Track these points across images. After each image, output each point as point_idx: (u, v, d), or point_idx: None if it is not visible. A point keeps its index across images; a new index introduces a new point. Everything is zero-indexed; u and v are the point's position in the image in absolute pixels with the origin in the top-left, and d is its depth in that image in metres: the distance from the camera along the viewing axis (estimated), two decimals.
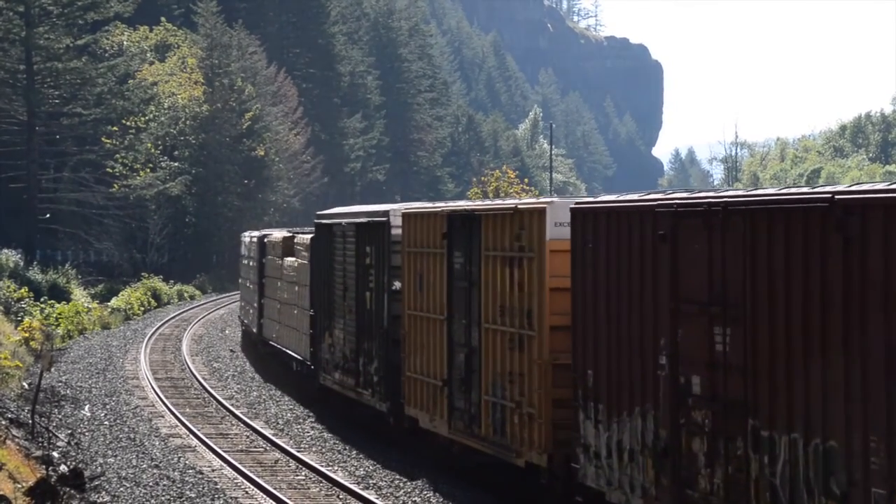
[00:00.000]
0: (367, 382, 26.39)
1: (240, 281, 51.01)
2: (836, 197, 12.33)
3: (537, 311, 18.50)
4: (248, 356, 44.43)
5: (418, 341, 23.43)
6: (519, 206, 19.22)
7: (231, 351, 46.07)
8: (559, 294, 18.15)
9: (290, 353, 34.93)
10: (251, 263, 44.11)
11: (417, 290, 23.41)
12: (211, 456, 25.99)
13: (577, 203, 17.78)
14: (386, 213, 25.44)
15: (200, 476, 23.73)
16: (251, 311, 43.54)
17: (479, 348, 20.55)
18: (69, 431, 28.29)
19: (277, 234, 39.23)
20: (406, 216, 24.20)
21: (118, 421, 30.23)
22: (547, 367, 18.28)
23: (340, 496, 22.06)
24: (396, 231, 24.82)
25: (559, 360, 18.11)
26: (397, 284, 24.73)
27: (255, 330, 42.32)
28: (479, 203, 21.17)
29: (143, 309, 63.09)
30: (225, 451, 25.99)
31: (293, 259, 34.69)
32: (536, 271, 18.58)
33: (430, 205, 24.52)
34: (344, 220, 28.51)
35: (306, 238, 32.89)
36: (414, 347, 23.65)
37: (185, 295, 74.14)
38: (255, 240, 43.64)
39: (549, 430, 18.27)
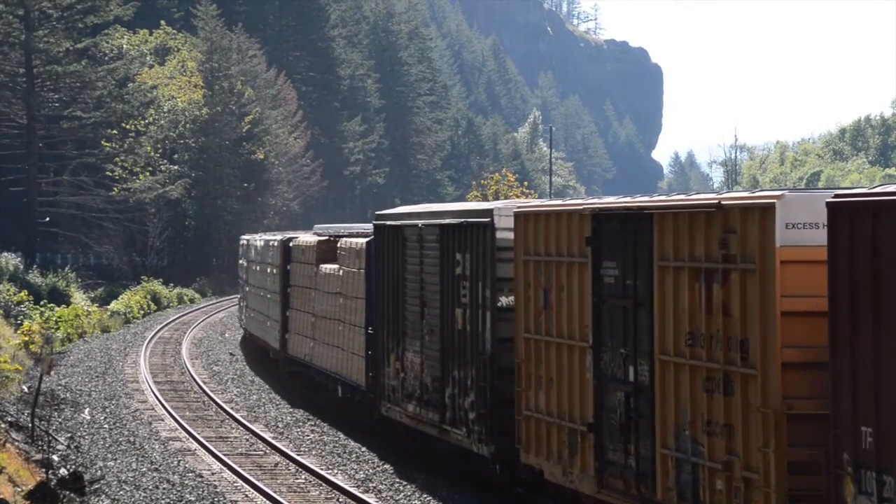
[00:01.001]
0: (459, 419, 21.45)
1: (246, 289, 46.30)
2: (723, 202, 14.56)
3: (759, 342, 13.98)
4: (247, 358, 44.42)
5: (543, 373, 18.55)
6: (724, 202, 14.71)
7: (231, 354, 46.06)
8: (795, 319, 13.75)
9: (332, 375, 30.31)
10: (271, 270, 38.92)
11: (541, 309, 18.55)
12: (211, 459, 25.99)
13: (843, 196, 12.89)
14: (489, 213, 20.55)
15: (200, 479, 23.72)
16: (269, 323, 39.10)
17: (651, 386, 15.90)
18: (69, 435, 28.29)
19: (308, 238, 34.94)
20: (522, 216, 19.32)
21: (118, 424, 30.22)
22: (777, 417, 13.74)
23: (340, 499, 22.06)
24: (504, 234, 20.03)
25: (796, 408, 13.68)
26: (506, 300, 20.07)
27: (275, 345, 37.73)
28: (648, 199, 16.59)
29: (142, 312, 63.08)
30: (225, 455, 25.98)
31: (334, 266, 30.21)
32: (758, 289, 14.03)
33: (556, 202, 19.72)
34: (421, 222, 23.46)
35: (357, 242, 28.29)
36: (535, 380, 18.76)
37: (185, 298, 74.14)
38: (274, 244, 38.53)
39: (783, 502, 13.77)
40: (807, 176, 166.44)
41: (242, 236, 52.18)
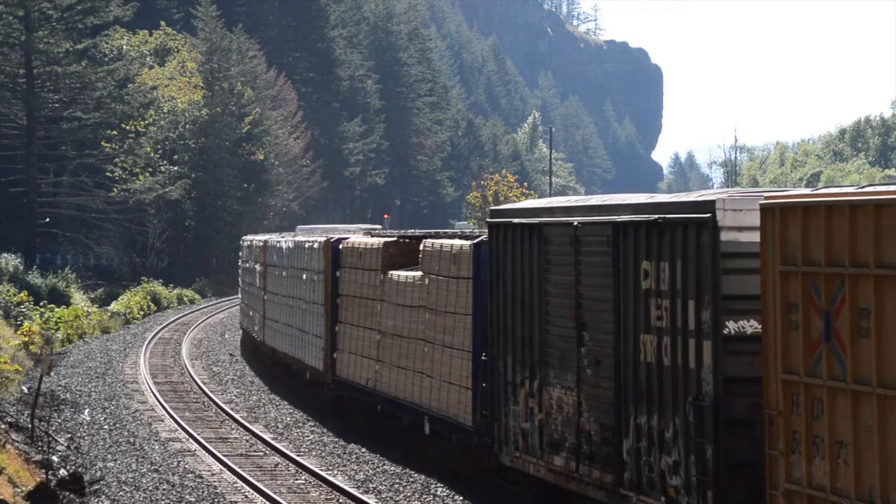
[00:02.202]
0: (651, 484, 16.01)
1: (265, 297, 40.46)
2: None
3: None
4: (247, 360, 44.42)
5: (823, 431, 13.18)
6: None
7: (230, 355, 46.05)
8: None
9: (413, 407, 24.74)
10: (311, 277, 32.77)
11: (818, 341, 13.24)
12: (210, 460, 25.99)
13: None
14: (707, 206, 15.06)
15: (200, 480, 23.73)
16: (305, 339, 33.33)
17: None
18: (69, 435, 28.28)
19: (366, 238, 29.66)
20: (780, 210, 13.82)
21: (118, 425, 30.22)
22: None
23: (340, 500, 22.06)
24: (734, 236, 14.88)
25: None
26: (737, 326, 15.00)
27: (315, 365, 32.16)
28: None
29: (142, 313, 63.09)
30: (224, 456, 25.99)
31: (414, 274, 24.91)
32: None
33: (834, 190, 13.77)
34: (577, 219, 17.77)
35: (456, 245, 22.71)
36: (806, 441, 13.43)
37: (185, 299, 74.16)
38: (315, 245, 32.40)
39: None
40: (807, 177, 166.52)
41: (250, 237, 48.90)
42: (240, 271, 51.46)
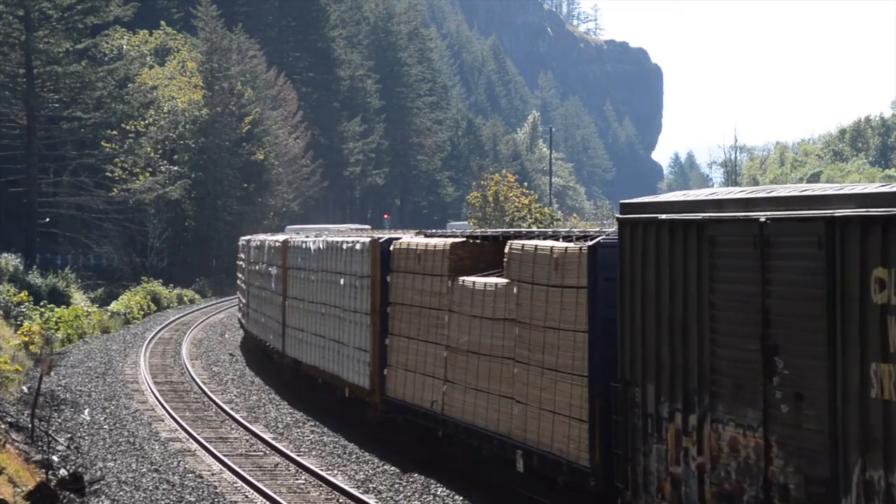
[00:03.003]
0: None
1: (285, 303, 36.20)
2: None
3: None
4: (246, 360, 44.41)
5: None
6: None
7: (231, 355, 46.05)
8: None
9: (501, 438, 20.70)
10: (352, 283, 28.53)
11: None
12: (210, 460, 25.99)
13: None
14: None
15: (200, 480, 23.73)
16: (343, 353, 29.14)
17: None
18: (69, 435, 28.29)
19: (427, 240, 25.03)
20: None
21: (118, 425, 30.22)
22: None
23: (340, 500, 22.06)
24: None
25: None
26: None
27: (358, 382, 27.92)
28: None
29: (142, 313, 63.10)
30: (224, 455, 25.99)
31: (494, 280, 21.35)
32: None
33: None
34: (763, 214, 13.95)
35: (555, 247, 19.04)
36: None
37: (185, 299, 74.17)
38: (357, 247, 28.13)
39: None
40: (807, 177, 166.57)
41: (260, 236, 45.67)
42: (241, 273, 49.54)
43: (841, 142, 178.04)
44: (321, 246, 32.09)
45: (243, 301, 47.80)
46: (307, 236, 35.68)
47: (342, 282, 29.28)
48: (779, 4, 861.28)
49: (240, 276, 51.30)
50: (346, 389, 28.99)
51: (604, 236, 18.23)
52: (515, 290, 20.18)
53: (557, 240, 19.46)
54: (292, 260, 35.70)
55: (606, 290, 17.44)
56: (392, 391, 25.62)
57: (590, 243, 18.11)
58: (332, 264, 30.60)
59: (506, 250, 20.77)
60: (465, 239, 23.43)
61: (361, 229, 55.51)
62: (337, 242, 30.32)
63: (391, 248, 26.09)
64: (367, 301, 27.22)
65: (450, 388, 22.73)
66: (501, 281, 20.90)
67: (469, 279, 22.26)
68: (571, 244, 18.71)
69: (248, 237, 49.21)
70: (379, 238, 27.03)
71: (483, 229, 24.10)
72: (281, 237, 40.02)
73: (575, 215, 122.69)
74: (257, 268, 42.77)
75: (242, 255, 49.00)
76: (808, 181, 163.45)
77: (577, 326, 18.16)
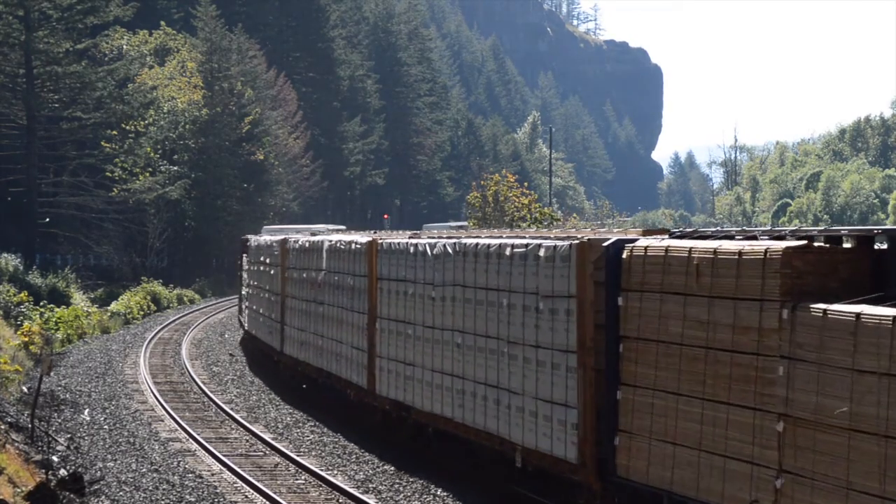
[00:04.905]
0: None
1: (379, 325, 26.43)
2: None
3: None
4: (247, 360, 44.42)
5: None
6: None
7: (230, 355, 46.06)
8: None
9: None
10: (515, 304, 19.74)
11: None
12: (210, 460, 25.99)
13: None
14: None
15: (200, 480, 23.73)
16: (510, 405, 20.08)
17: None
18: (69, 435, 28.29)
19: (723, 244, 15.40)
20: None
21: (118, 425, 30.22)
22: None
23: (340, 500, 22.06)
24: None
25: None
26: None
27: (554, 451, 18.60)
28: None
29: (142, 313, 63.11)
30: (224, 456, 25.99)
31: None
32: None
33: None
34: None
35: None
36: None
37: (185, 299, 74.19)
38: (547, 252, 18.75)
39: None
40: (806, 177, 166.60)
41: (300, 235, 37.05)
42: (251, 275, 43.50)
43: (841, 142, 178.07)
44: (450, 249, 22.44)
45: (268, 316, 38.93)
46: (413, 235, 26.94)
47: (505, 302, 20.10)
48: (779, 4, 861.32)
49: (252, 281, 43.67)
50: (517, 454, 19.86)
51: None
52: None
53: None
54: (386, 269, 25.96)
55: None
56: (629, 471, 16.73)
57: None
58: (476, 276, 21.30)
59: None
60: (805, 243, 14.33)
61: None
62: (500, 246, 20.38)
63: (625, 255, 17.03)
64: (569, 332, 18.16)
65: (793, 484, 13.82)
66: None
67: (841, 308, 13.33)
68: None
69: (299, 235, 36.97)
70: (604, 240, 17.57)
71: (813, 228, 13.98)
72: (345, 239, 29.77)
73: (575, 215, 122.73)
74: (297, 275, 33.97)
75: (260, 259, 40.88)
76: (808, 181, 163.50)
77: None
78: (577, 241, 18.17)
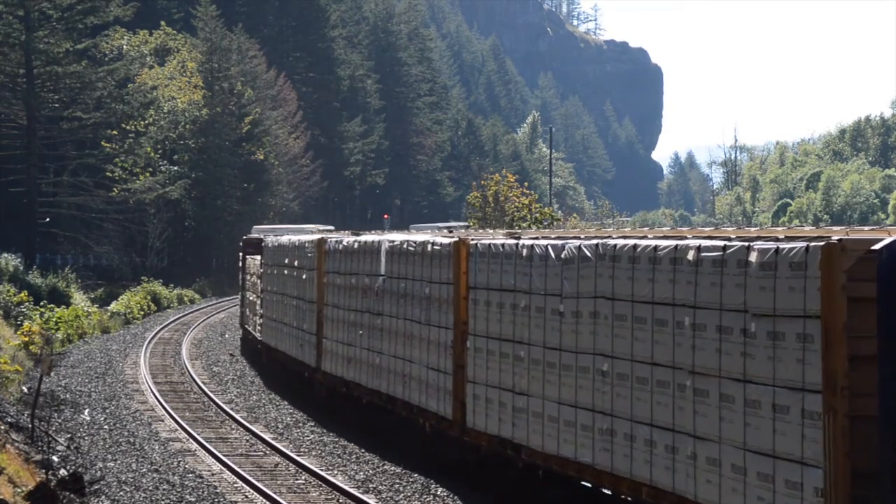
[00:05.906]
0: None
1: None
2: None
3: None
4: (247, 360, 44.40)
5: None
6: None
7: (231, 355, 46.05)
8: None
9: None
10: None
11: None
12: (211, 460, 25.99)
13: None
14: None
15: (200, 480, 23.72)
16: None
17: None
18: (69, 435, 28.28)
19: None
20: None
21: (118, 425, 30.21)
22: None
23: (340, 500, 22.06)
24: None
25: None
26: None
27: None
28: None
29: (142, 313, 63.10)
30: (225, 455, 25.98)
31: None
32: None
33: None
34: None
35: None
36: None
37: (185, 299, 74.18)
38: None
39: None
40: (807, 177, 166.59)
41: (344, 234, 32.80)
42: (268, 279, 38.93)
43: (841, 142, 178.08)
44: (588, 252, 17.45)
45: (296, 327, 34.00)
46: (535, 236, 21.23)
47: (687, 321, 15.23)
48: (779, 4, 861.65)
49: (270, 285, 38.40)
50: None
51: None
52: None
53: None
54: (481, 274, 21.15)
55: None
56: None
57: None
58: (635, 287, 16.33)
59: None
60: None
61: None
62: (668, 248, 15.62)
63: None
64: (805, 364, 13.24)
65: None
66: None
67: None
68: None
69: (343, 235, 32.16)
70: (853, 240, 12.88)
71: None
72: (417, 238, 24.91)
73: (575, 215, 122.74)
74: (340, 281, 29.29)
75: (283, 261, 35.89)
76: (808, 181, 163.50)
77: None
78: (820, 244, 13.05)
